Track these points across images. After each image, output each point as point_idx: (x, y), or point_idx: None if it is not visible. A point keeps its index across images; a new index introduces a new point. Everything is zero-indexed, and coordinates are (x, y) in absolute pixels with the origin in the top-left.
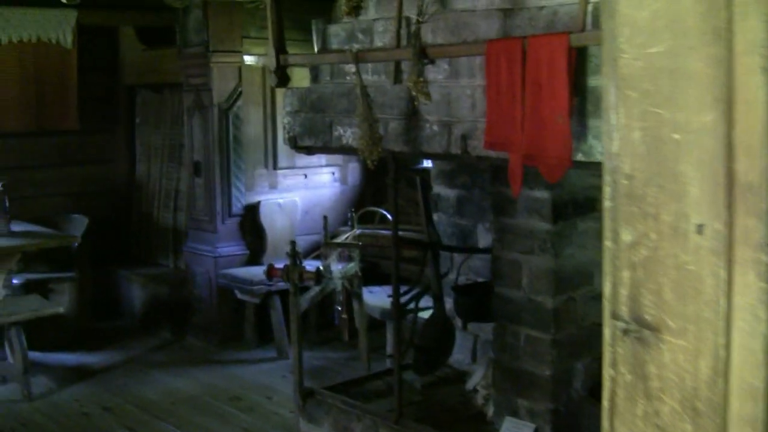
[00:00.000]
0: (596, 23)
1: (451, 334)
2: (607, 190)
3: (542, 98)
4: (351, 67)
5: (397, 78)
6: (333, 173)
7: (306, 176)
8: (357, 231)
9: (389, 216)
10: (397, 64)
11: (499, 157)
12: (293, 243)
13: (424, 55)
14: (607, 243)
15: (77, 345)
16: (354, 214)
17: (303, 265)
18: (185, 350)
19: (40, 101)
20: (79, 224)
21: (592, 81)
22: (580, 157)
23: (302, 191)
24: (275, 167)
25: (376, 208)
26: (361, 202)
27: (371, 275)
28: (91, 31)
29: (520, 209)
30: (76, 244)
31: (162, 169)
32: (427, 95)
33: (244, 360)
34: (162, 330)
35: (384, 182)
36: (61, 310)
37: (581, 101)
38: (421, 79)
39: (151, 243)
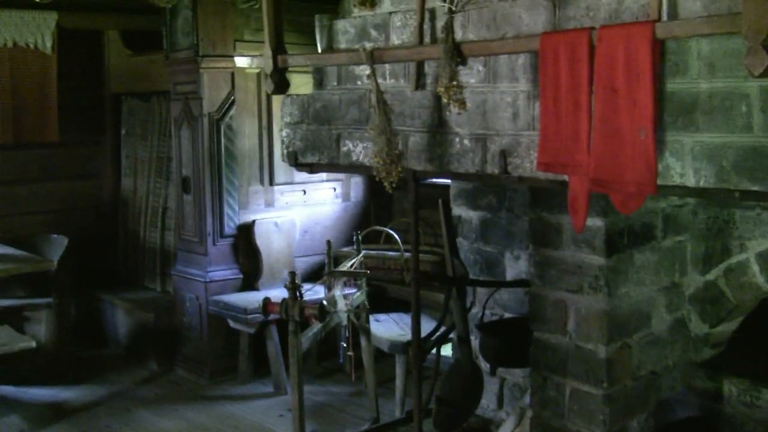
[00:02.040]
0: (673, 12)
1: (479, 383)
2: None
3: (618, 107)
4: (363, 70)
5: (419, 82)
6: (334, 189)
7: (305, 192)
8: (362, 254)
9: (396, 235)
10: (420, 66)
11: (554, 180)
12: (293, 274)
13: (458, 53)
14: None
15: (55, 378)
16: (359, 236)
17: (304, 298)
18: (173, 384)
19: (17, 111)
20: (58, 246)
21: (672, 84)
22: None
23: (301, 209)
24: (271, 183)
25: (381, 227)
26: (365, 220)
27: (377, 301)
28: (73, 35)
29: (566, 240)
30: (53, 270)
31: (149, 184)
32: (462, 103)
33: (238, 396)
34: (148, 361)
35: (389, 199)
36: (33, 344)
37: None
38: (454, 82)
39: (138, 265)
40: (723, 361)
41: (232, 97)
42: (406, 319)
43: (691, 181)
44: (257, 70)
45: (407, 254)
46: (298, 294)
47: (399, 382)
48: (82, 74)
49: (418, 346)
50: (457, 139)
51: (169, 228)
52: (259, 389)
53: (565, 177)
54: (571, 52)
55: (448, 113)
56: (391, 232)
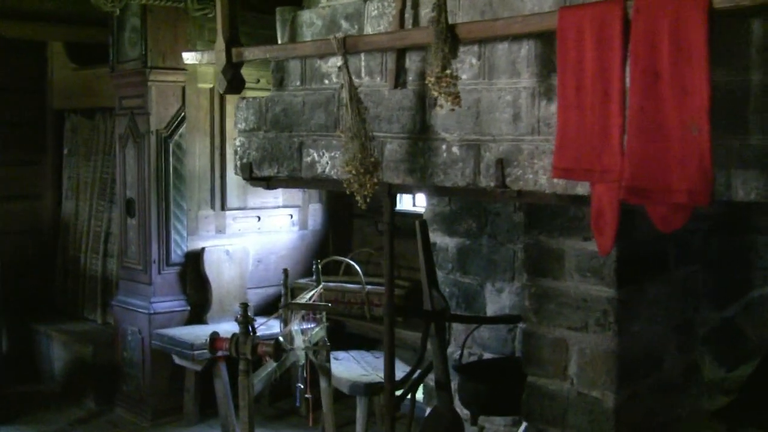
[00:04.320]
0: None
1: None
2: None
3: (662, 96)
4: (332, 67)
5: (399, 80)
6: (291, 216)
7: (259, 219)
8: (322, 286)
9: (357, 267)
10: (400, 60)
11: (565, 194)
12: (245, 306)
13: (452, 37)
14: None
15: None
16: (319, 266)
17: (257, 333)
18: (112, 425)
19: None
20: None
21: (716, 75)
22: None
23: (255, 236)
24: (223, 208)
25: (341, 258)
26: (324, 249)
27: (336, 337)
28: (14, 45)
29: (568, 268)
30: None
31: (92, 207)
32: (456, 97)
33: None
34: (86, 399)
35: (349, 227)
36: None
37: None
38: (448, 72)
39: (77, 294)
40: (738, 410)
41: (183, 114)
42: (367, 358)
43: (738, 194)
44: (210, 86)
45: (369, 287)
46: (250, 329)
47: (360, 427)
48: (23, 88)
49: (392, 393)
50: (444, 147)
51: (112, 254)
52: None
53: (581, 190)
54: (598, 29)
55: (433, 115)
56: (352, 263)
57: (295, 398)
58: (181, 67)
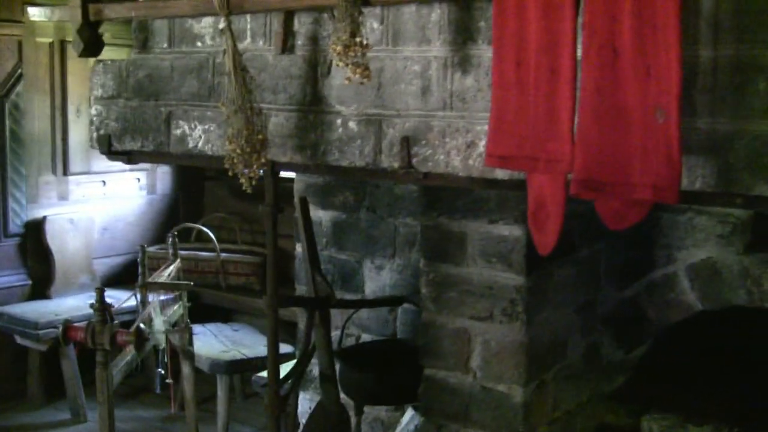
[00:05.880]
0: None
1: (347, 430)
2: None
3: (621, 75)
4: (204, 27)
5: (287, 44)
6: (138, 180)
7: (104, 184)
8: (178, 258)
9: (210, 234)
10: (288, 21)
11: (483, 178)
12: (100, 292)
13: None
14: None
15: None
16: (176, 238)
17: (114, 320)
18: None
19: None
20: None
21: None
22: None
23: (100, 203)
24: (65, 173)
25: (193, 224)
26: (174, 214)
27: (190, 310)
28: None
29: (471, 253)
30: None
31: None
32: (366, 69)
33: (30, 425)
34: None
35: (200, 191)
36: None
37: None
38: (358, 39)
39: None
40: (633, 392)
41: (19, 71)
42: (225, 331)
43: (682, 183)
44: (50, 40)
45: (224, 255)
46: (108, 316)
47: (221, 407)
48: None
49: (277, 393)
50: (340, 121)
51: None
52: (54, 416)
53: (500, 174)
54: None
55: (326, 85)
56: (205, 229)
57: (155, 385)
58: (17, 19)
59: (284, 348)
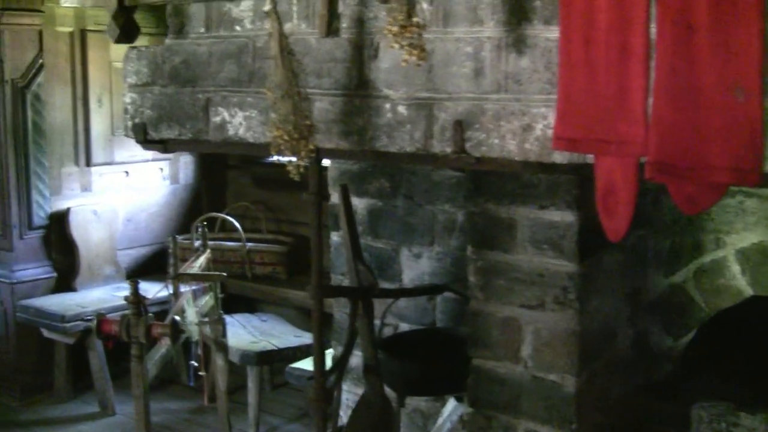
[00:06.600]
0: None
1: (393, 423)
2: None
3: (697, 53)
4: (243, 11)
5: (332, 26)
6: (161, 170)
7: (127, 174)
8: (208, 249)
9: (236, 223)
10: (333, 3)
11: (537, 161)
12: (134, 284)
13: None
14: None
15: None
16: (205, 228)
17: (150, 313)
18: None
19: None
20: None
21: None
22: None
23: (123, 194)
24: (88, 163)
25: (218, 213)
26: (197, 204)
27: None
28: None
29: (521, 240)
30: None
31: None
32: (422, 51)
33: (58, 419)
34: None
35: (222, 180)
36: None
37: None
38: (415, 21)
39: None
40: (682, 380)
41: (40, 61)
42: (253, 321)
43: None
44: (70, 29)
45: (250, 244)
46: (143, 309)
47: (252, 398)
48: None
49: (323, 386)
50: (388, 106)
51: None
52: (82, 409)
53: (559, 158)
54: None
55: (373, 68)
56: (231, 219)
57: (184, 377)
58: (37, 9)
59: (308, 338)
